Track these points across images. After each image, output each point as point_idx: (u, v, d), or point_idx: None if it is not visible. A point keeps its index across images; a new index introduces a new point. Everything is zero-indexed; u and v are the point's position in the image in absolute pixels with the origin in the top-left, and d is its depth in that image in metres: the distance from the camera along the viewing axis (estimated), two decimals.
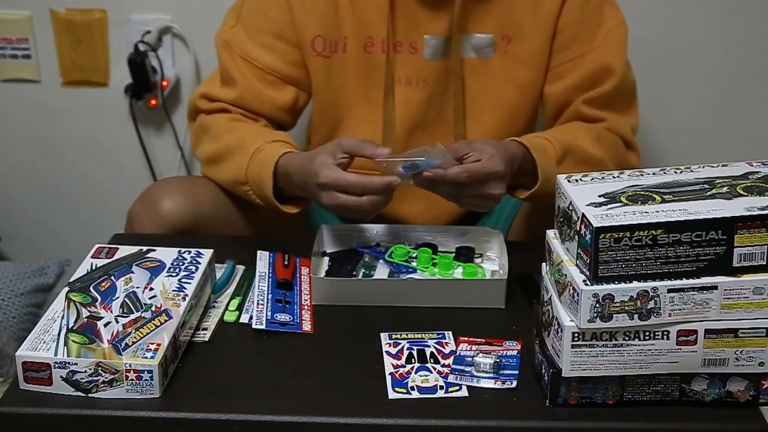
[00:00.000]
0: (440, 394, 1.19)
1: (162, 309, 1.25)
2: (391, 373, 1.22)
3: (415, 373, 1.22)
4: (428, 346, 1.28)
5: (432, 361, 1.25)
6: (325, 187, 1.40)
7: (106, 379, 1.15)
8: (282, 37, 1.63)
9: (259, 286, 1.41)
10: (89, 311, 1.24)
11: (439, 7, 1.58)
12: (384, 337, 1.29)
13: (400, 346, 1.27)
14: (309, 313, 1.36)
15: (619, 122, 1.65)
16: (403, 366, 1.24)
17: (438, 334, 1.30)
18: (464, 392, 1.19)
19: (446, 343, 1.29)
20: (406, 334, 1.30)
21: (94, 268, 1.34)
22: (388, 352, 1.26)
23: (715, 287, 1.10)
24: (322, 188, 1.40)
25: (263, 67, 1.63)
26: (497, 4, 1.59)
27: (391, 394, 1.18)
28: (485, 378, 1.20)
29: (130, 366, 1.15)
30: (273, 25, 1.62)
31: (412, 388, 1.19)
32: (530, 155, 1.48)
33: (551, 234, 1.22)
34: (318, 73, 1.64)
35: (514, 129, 1.66)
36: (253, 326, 1.31)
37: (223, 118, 1.65)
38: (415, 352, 1.26)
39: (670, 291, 1.10)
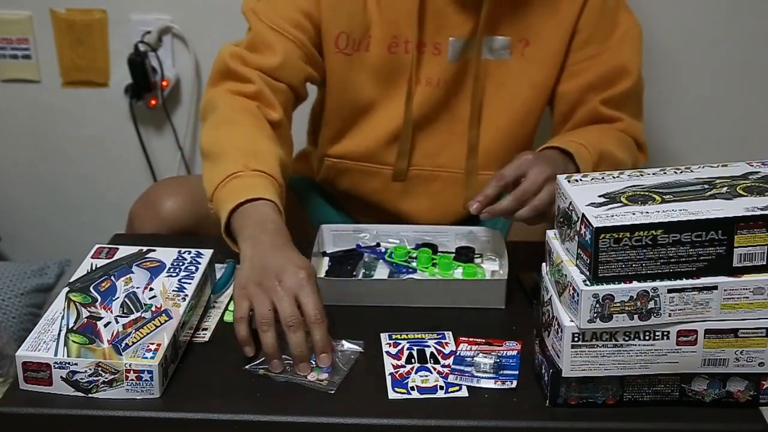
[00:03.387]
0: (440, 394, 1.19)
1: (162, 309, 1.25)
2: (391, 374, 1.22)
3: (415, 373, 1.22)
4: (428, 346, 1.28)
5: (432, 361, 1.25)
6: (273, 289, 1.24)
7: (106, 379, 1.15)
8: (310, 18, 1.58)
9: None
10: (89, 311, 1.24)
11: (466, 10, 1.59)
12: (384, 337, 1.29)
13: (400, 346, 1.27)
14: None
15: (633, 123, 1.66)
16: (403, 366, 1.24)
17: (438, 334, 1.30)
18: (464, 392, 1.19)
19: (446, 343, 1.29)
20: (406, 335, 1.30)
21: (94, 268, 1.34)
22: (388, 352, 1.26)
23: (715, 287, 1.10)
24: (268, 282, 1.25)
25: (294, 38, 1.58)
26: (518, 7, 1.60)
27: (391, 394, 1.18)
28: (485, 378, 1.20)
29: (130, 366, 1.15)
30: (302, 4, 1.58)
31: (412, 389, 1.19)
32: (573, 162, 1.48)
33: (551, 234, 1.22)
34: (337, 70, 1.63)
35: (525, 130, 1.67)
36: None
37: (231, 104, 1.55)
38: (415, 353, 1.26)
39: (670, 291, 1.10)
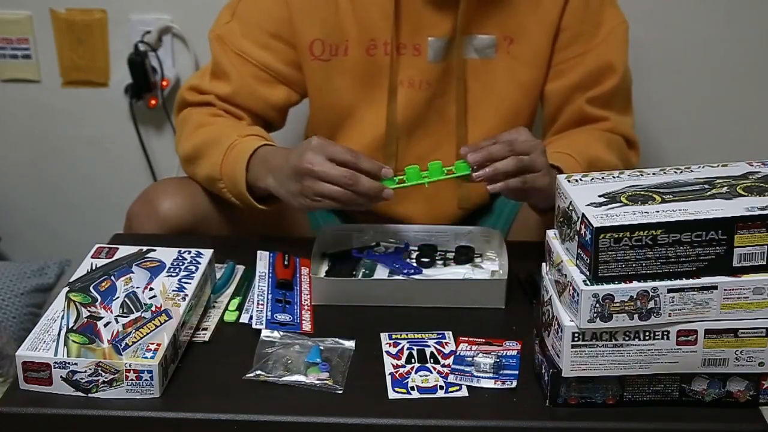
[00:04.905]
0: (440, 394, 1.19)
1: (162, 309, 1.25)
2: (391, 373, 1.22)
3: (415, 373, 1.22)
4: (428, 346, 1.28)
5: (432, 361, 1.25)
6: (310, 173, 1.38)
7: (106, 379, 1.15)
8: (279, 37, 1.62)
9: (259, 286, 1.41)
10: (89, 311, 1.24)
11: (443, 9, 1.58)
12: (384, 337, 1.29)
13: (400, 346, 1.27)
14: (309, 313, 1.36)
15: (621, 121, 1.66)
16: (403, 366, 1.24)
17: (438, 334, 1.30)
18: (464, 392, 1.19)
19: (446, 343, 1.29)
20: (406, 334, 1.30)
21: (94, 268, 1.34)
22: (388, 352, 1.26)
23: (715, 287, 1.10)
24: (302, 174, 1.39)
25: (258, 63, 1.62)
26: (499, 5, 1.59)
27: (391, 394, 1.18)
28: (485, 378, 1.20)
29: (130, 366, 1.15)
30: (271, 24, 1.61)
31: (412, 388, 1.19)
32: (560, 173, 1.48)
33: (551, 234, 1.22)
34: (315, 77, 1.63)
35: None
36: (253, 326, 1.31)
37: (203, 113, 1.63)
38: (415, 352, 1.26)
39: (670, 291, 1.10)
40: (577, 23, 1.61)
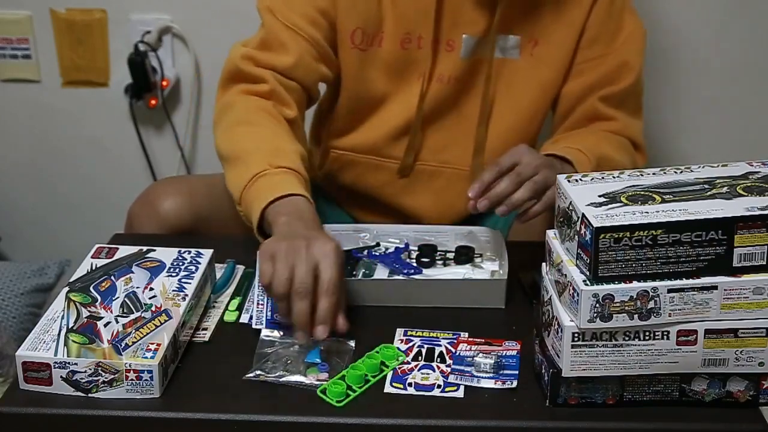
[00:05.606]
0: (436, 392, 1.18)
1: (162, 309, 1.25)
2: (393, 369, 1.22)
3: (418, 370, 1.22)
4: (440, 345, 1.27)
5: (439, 360, 1.25)
6: (306, 248, 1.25)
7: (106, 379, 1.15)
8: (327, 14, 1.59)
9: (259, 286, 1.41)
10: (89, 311, 1.24)
11: (482, 7, 1.59)
12: (399, 332, 1.30)
13: (411, 344, 1.27)
14: None
15: (630, 123, 1.67)
16: (407, 363, 1.24)
17: (453, 334, 1.30)
18: (461, 392, 1.18)
19: (458, 343, 1.28)
20: (421, 332, 1.30)
21: (94, 268, 1.34)
22: (398, 349, 1.26)
23: (715, 287, 1.10)
24: (300, 245, 1.25)
25: (309, 38, 1.58)
26: (530, 7, 1.61)
27: (387, 388, 1.19)
28: (485, 378, 1.20)
29: (130, 366, 1.15)
30: (319, 2, 1.58)
31: (410, 384, 1.19)
32: (573, 169, 1.49)
33: (551, 234, 1.22)
34: (352, 65, 1.63)
35: (532, 129, 1.68)
36: (253, 326, 1.31)
37: (248, 106, 1.56)
38: (424, 351, 1.26)
39: (670, 291, 1.10)
40: (598, 25, 1.62)
